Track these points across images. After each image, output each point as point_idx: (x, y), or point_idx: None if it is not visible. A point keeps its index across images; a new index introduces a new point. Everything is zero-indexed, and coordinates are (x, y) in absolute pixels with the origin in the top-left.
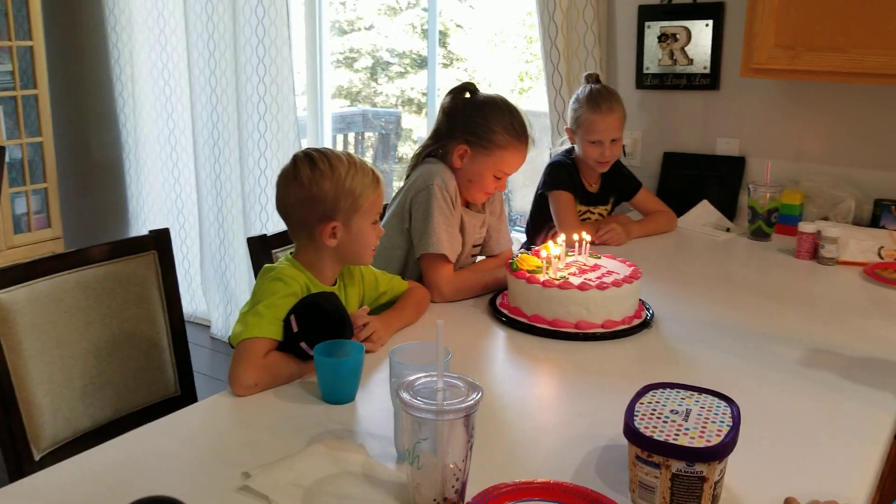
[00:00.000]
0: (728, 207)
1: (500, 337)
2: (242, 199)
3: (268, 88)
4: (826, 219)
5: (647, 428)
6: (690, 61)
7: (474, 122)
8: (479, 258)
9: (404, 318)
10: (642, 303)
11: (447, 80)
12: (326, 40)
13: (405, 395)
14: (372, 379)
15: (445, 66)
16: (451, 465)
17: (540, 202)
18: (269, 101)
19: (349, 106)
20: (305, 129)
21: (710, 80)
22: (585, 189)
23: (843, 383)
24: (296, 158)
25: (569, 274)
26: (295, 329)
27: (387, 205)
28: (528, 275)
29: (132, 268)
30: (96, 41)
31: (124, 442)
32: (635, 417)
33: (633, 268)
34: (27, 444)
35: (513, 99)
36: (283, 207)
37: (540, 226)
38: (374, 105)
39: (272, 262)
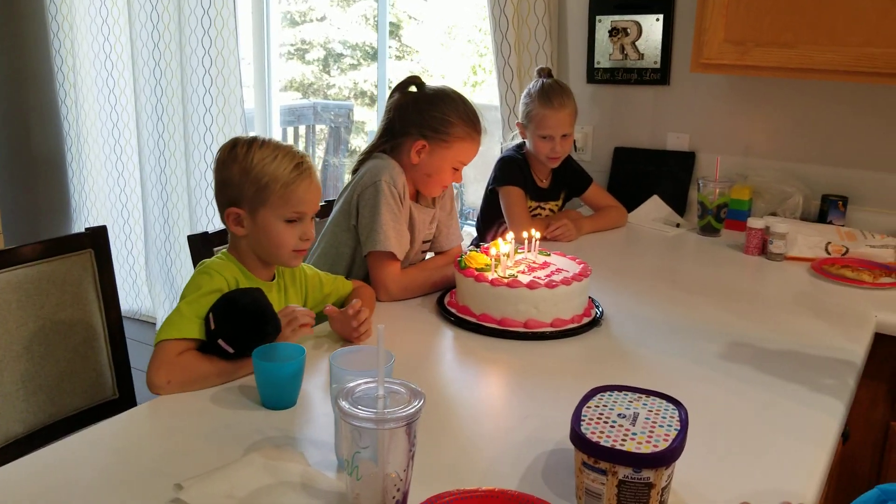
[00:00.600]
0: (678, 202)
1: (447, 337)
2: (188, 194)
3: (214, 80)
4: (774, 214)
5: (593, 433)
6: (641, 56)
7: (430, 115)
8: (430, 255)
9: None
10: (592, 301)
11: (400, 73)
12: (275, 31)
13: (344, 404)
14: (314, 383)
15: (399, 58)
16: (392, 475)
17: (490, 197)
18: (216, 94)
19: (301, 98)
20: (253, 121)
21: (660, 75)
22: (536, 184)
23: (790, 384)
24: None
25: (518, 272)
26: (212, 326)
27: (334, 201)
28: (476, 273)
29: (67, 267)
30: (36, 30)
31: (54, 451)
32: (582, 422)
33: (582, 265)
34: None
35: (466, 92)
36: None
37: (490, 221)
38: (327, 97)
39: None
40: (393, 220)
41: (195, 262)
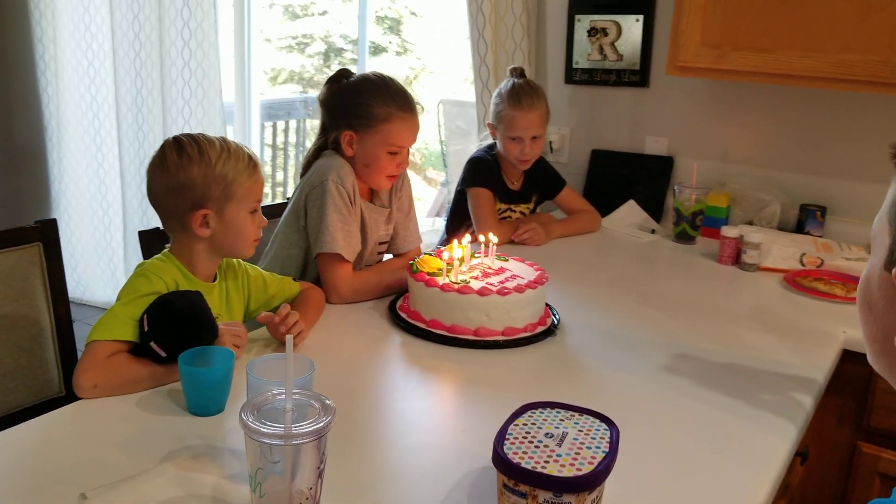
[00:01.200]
0: (655, 208)
1: (395, 343)
2: None
3: (193, 73)
4: (751, 223)
5: (515, 454)
6: (620, 57)
7: (352, 104)
8: (388, 256)
9: (310, 321)
10: (549, 309)
11: (401, 70)
12: (256, 23)
13: (246, 419)
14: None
15: (399, 54)
16: (299, 492)
17: (459, 199)
18: (195, 86)
19: (301, 91)
20: (233, 115)
21: (639, 77)
22: (506, 186)
23: (740, 402)
24: (164, 144)
25: (471, 277)
26: (145, 328)
27: (289, 199)
28: (427, 277)
29: (14, 260)
30: (17, 17)
31: None
32: (506, 441)
33: (539, 272)
34: None
35: (465, 90)
36: (152, 197)
37: (459, 223)
38: None
39: None
40: (340, 220)
41: (146, 258)
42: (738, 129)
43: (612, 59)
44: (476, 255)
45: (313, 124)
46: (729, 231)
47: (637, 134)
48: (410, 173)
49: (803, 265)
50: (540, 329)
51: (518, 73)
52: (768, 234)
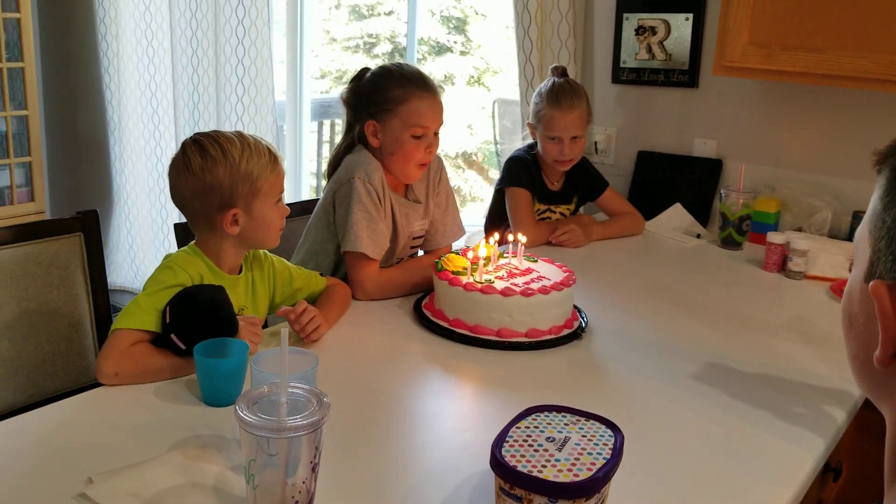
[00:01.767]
0: (702, 212)
1: (417, 341)
2: None
3: (246, 70)
4: (800, 229)
5: (513, 457)
6: (669, 56)
7: (369, 93)
8: (421, 253)
9: (332, 317)
10: (578, 311)
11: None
12: (319, 23)
13: (240, 410)
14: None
15: (463, 53)
16: (293, 485)
17: (498, 198)
18: (248, 83)
19: None
20: (284, 113)
21: (688, 77)
22: (546, 187)
23: (772, 416)
24: (184, 146)
25: (496, 277)
26: (167, 320)
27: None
28: (451, 276)
29: (55, 249)
30: (84, 15)
31: None
32: (505, 444)
33: (567, 274)
34: None
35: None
36: (177, 199)
37: (498, 223)
38: None
39: None
40: (366, 219)
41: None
42: (789, 132)
43: (661, 58)
44: (504, 255)
45: None
46: (775, 237)
47: (685, 135)
48: (473, 173)
49: None
50: (565, 332)
51: (559, 72)
52: (816, 242)
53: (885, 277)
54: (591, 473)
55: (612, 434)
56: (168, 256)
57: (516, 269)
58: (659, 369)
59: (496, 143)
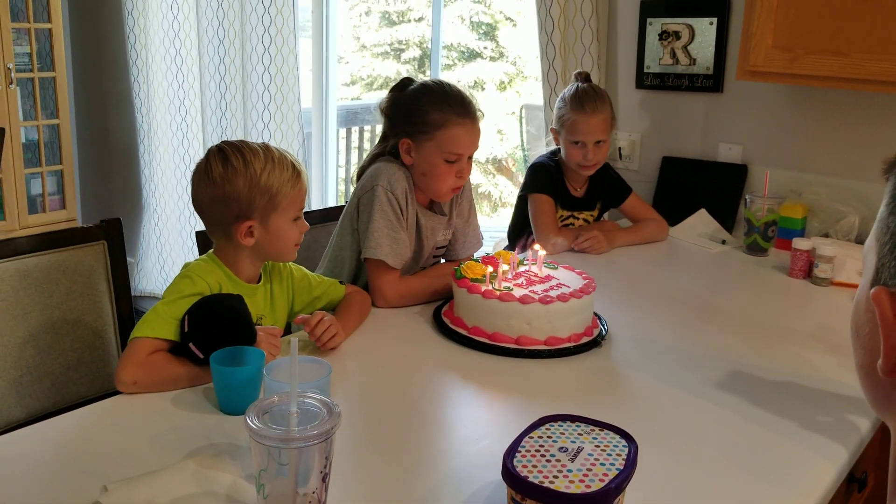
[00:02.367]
0: (727, 218)
1: (436, 348)
2: None
3: (273, 78)
4: (827, 235)
5: (524, 467)
6: (693, 61)
7: (409, 111)
8: (442, 261)
9: (351, 325)
10: (598, 319)
11: (495, 74)
12: (335, 29)
13: (250, 420)
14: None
15: (493, 59)
16: (303, 495)
17: (521, 205)
18: (274, 91)
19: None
20: (311, 121)
21: (713, 82)
22: (569, 193)
23: (794, 425)
24: (209, 153)
25: (515, 285)
26: (185, 329)
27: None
28: (470, 283)
29: (79, 257)
30: (114, 25)
31: None
32: (517, 454)
33: (587, 281)
34: None
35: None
36: (197, 205)
37: (521, 229)
38: None
39: None
40: (387, 227)
41: None
42: (815, 137)
43: (685, 63)
44: (524, 262)
45: None
46: (801, 243)
47: (709, 141)
48: (503, 179)
49: None
50: (585, 340)
51: (583, 77)
52: (843, 248)
53: (888, 284)
54: (602, 484)
55: (626, 444)
56: (187, 265)
57: (535, 276)
58: (680, 377)
59: (523, 150)
